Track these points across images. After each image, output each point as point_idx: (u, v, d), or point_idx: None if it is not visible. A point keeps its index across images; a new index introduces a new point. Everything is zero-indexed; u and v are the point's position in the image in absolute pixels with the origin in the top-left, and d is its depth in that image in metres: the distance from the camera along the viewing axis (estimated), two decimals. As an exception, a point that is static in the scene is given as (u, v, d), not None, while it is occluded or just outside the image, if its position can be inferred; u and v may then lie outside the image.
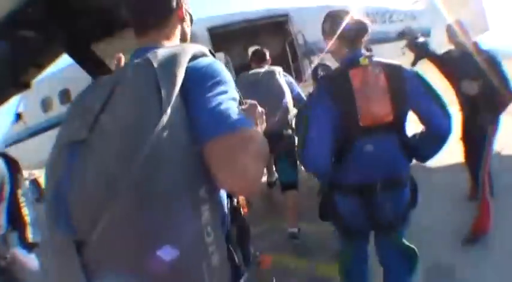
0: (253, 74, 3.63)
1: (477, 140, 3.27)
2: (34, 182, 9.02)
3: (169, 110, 0.84)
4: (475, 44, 3.32)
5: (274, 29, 7.49)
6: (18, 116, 8.34)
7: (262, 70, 3.65)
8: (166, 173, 0.82)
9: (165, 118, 0.83)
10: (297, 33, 6.77)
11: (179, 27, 1.22)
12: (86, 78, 5.65)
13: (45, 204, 0.93)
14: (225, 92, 0.94)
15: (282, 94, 3.48)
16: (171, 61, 0.93)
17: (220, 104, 0.90)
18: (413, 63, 3.46)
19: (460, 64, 3.32)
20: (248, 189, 0.94)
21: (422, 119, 1.88)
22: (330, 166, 1.85)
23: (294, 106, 3.62)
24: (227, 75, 1.00)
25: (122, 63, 1.30)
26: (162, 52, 0.96)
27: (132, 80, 0.92)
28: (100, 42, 5.43)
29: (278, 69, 3.72)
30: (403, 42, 7.27)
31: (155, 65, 0.91)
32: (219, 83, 0.95)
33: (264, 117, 1.17)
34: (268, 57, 4.02)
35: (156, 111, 0.84)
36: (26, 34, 4.43)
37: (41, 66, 5.39)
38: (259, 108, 1.13)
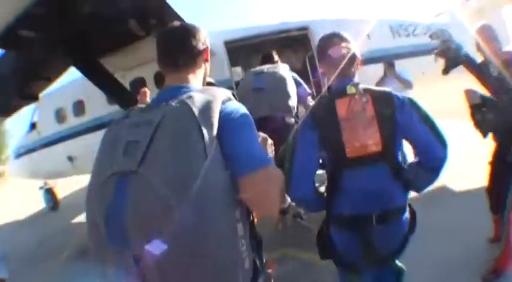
0: (259, 68, 3.79)
1: (507, 167, 2.89)
2: (49, 191, 9.21)
3: (211, 151, 1.05)
4: (509, 54, 2.92)
5: (293, 42, 7.22)
6: (33, 126, 8.41)
7: (268, 65, 3.81)
8: (212, 202, 1.04)
9: (209, 158, 1.03)
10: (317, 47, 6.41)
11: (203, 66, 1.44)
12: (99, 90, 5.62)
13: (94, 225, 1.11)
14: (250, 135, 1.20)
15: (283, 81, 3.54)
16: (208, 108, 1.12)
17: (248, 146, 1.16)
18: (445, 71, 3.06)
19: (494, 77, 2.91)
20: (271, 213, 1.27)
21: (415, 148, 1.82)
22: (314, 198, 1.86)
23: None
24: (250, 118, 1.24)
25: (147, 97, 1.50)
26: (197, 98, 1.14)
27: (177, 123, 1.08)
28: (110, 56, 5.49)
29: (283, 65, 3.85)
30: (429, 57, 7.10)
31: (196, 112, 1.08)
32: (244, 127, 1.20)
33: (273, 147, 1.43)
34: (276, 59, 4.16)
35: (202, 152, 1.03)
36: (33, 46, 4.44)
37: (48, 79, 5.50)
38: (270, 141, 1.41)
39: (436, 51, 3.08)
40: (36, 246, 6.68)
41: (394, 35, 7.18)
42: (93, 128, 7.03)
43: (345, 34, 1.89)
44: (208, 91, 1.23)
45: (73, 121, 7.49)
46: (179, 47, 1.36)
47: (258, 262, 1.25)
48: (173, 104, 1.13)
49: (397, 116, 1.69)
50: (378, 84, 5.96)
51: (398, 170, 1.75)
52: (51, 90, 7.67)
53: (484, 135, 2.95)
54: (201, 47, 1.39)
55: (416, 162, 1.83)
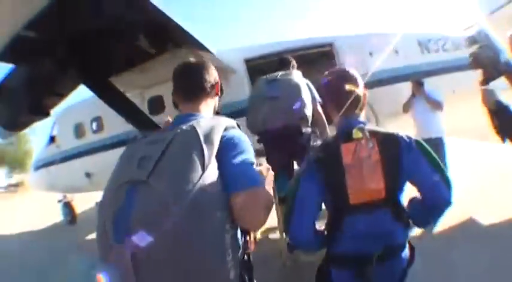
0: (271, 75, 3.67)
1: None
2: (67, 205, 9.40)
3: (209, 168, 1.23)
4: None
5: (318, 60, 6.85)
6: (52, 139, 8.46)
7: (281, 72, 3.68)
8: (204, 209, 1.20)
9: (206, 173, 1.22)
10: (341, 66, 6.02)
11: (214, 99, 1.67)
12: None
13: (103, 230, 1.25)
14: (246, 159, 1.36)
15: (297, 89, 3.42)
16: (211, 132, 1.31)
17: (242, 168, 1.32)
18: (484, 82, 2.69)
19: None
20: (256, 229, 1.42)
21: (420, 190, 1.78)
22: (313, 240, 1.82)
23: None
24: (248, 145, 1.42)
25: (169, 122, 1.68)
26: (204, 123, 1.35)
27: (184, 143, 1.27)
28: (124, 74, 5.47)
29: (296, 71, 3.75)
30: (459, 73, 6.70)
31: (200, 135, 1.28)
32: (242, 152, 1.36)
33: (273, 177, 1.58)
34: (292, 63, 4.08)
35: (200, 168, 1.21)
36: (39, 62, 4.46)
37: (60, 95, 5.43)
38: (271, 172, 1.55)
39: (470, 59, 2.76)
40: (48, 259, 6.72)
41: (422, 50, 6.79)
42: (111, 145, 6.97)
43: (351, 71, 1.89)
44: (215, 119, 1.44)
45: (91, 137, 7.46)
46: (194, 82, 1.58)
47: (247, 278, 1.36)
48: (184, 127, 1.34)
49: (403, 160, 1.67)
50: (405, 105, 5.67)
51: (400, 212, 1.73)
52: (71, 105, 7.70)
53: (503, 140, 2.65)
54: (213, 81, 1.63)
55: (420, 203, 1.80)
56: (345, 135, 1.74)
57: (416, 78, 5.70)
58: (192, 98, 1.57)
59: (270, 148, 3.60)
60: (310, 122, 3.42)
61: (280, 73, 3.63)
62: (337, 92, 1.83)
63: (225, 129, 1.38)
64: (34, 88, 4.95)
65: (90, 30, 4.09)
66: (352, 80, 1.83)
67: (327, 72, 1.97)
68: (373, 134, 1.70)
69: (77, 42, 4.26)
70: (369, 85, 6.18)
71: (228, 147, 1.33)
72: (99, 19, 3.96)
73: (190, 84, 1.58)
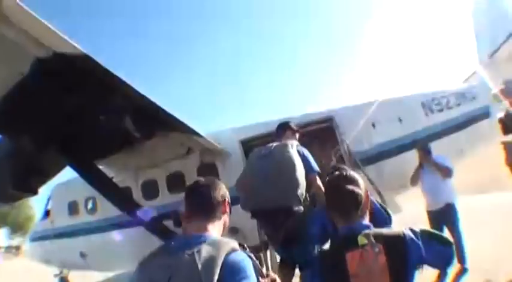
0: (266, 147, 3.53)
1: None
2: (63, 280, 9.07)
3: None
4: None
5: (318, 137, 6.34)
6: (47, 213, 8.26)
7: (275, 143, 3.55)
8: None
9: None
10: (342, 142, 5.79)
11: (223, 217, 1.74)
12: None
13: None
14: None
15: (290, 165, 3.23)
16: (210, 263, 1.36)
17: None
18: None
19: None
20: None
21: (436, 267, 1.87)
22: None
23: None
24: (250, 268, 1.46)
25: None
26: (204, 253, 1.40)
27: (183, 275, 1.35)
28: (113, 156, 5.38)
29: (292, 142, 3.60)
30: (465, 130, 6.37)
31: (200, 268, 1.34)
32: (244, 278, 1.40)
33: None
34: (291, 129, 3.98)
35: None
36: (23, 139, 4.46)
37: (44, 175, 5.47)
38: (278, 280, 1.64)
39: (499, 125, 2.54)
40: None
41: (427, 112, 6.44)
42: (105, 227, 6.73)
43: (352, 173, 1.91)
44: (216, 244, 1.46)
45: (85, 217, 7.22)
46: (201, 201, 1.68)
47: None
48: (186, 255, 1.39)
49: (411, 257, 1.65)
50: (413, 177, 5.32)
51: None
52: (66, 180, 7.57)
53: None
54: (220, 199, 1.71)
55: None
56: (349, 241, 1.70)
57: (423, 145, 5.37)
58: (199, 216, 1.64)
59: (263, 225, 3.50)
60: (302, 199, 3.22)
61: (274, 144, 3.49)
62: (337, 193, 1.84)
63: (227, 254, 1.42)
64: (16, 164, 4.93)
65: (72, 113, 4.04)
66: (353, 182, 1.83)
67: (328, 179, 1.97)
68: (379, 238, 1.68)
69: (58, 123, 4.21)
70: (373, 159, 6.02)
71: (229, 273, 1.38)
72: (81, 102, 3.90)
73: (198, 203, 1.68)
